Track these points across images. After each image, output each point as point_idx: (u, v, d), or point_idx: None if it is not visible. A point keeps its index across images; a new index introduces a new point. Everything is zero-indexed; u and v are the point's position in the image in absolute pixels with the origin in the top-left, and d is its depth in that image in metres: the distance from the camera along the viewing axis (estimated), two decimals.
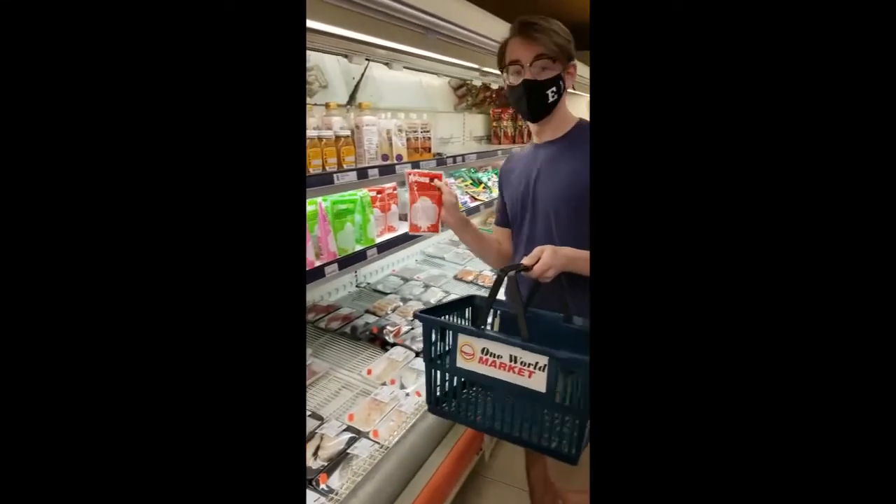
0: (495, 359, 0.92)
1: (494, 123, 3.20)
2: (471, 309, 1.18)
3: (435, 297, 2.11)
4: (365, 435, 1.28)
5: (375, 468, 1.18)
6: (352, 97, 1.99)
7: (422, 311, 1.05)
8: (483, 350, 0.93)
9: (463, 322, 1.16)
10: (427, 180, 1.22)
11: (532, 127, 1.20)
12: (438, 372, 1.04)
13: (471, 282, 2.37)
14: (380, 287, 2.21)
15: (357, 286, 2.24)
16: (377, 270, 2.37)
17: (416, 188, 1.23)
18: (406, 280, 2.29)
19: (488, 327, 1.11)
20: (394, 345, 1.70)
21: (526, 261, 0.97)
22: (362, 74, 1.99)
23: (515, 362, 0.90)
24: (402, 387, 1.49)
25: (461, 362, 0.97)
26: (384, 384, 1.50)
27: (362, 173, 1.42)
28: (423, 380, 1.54)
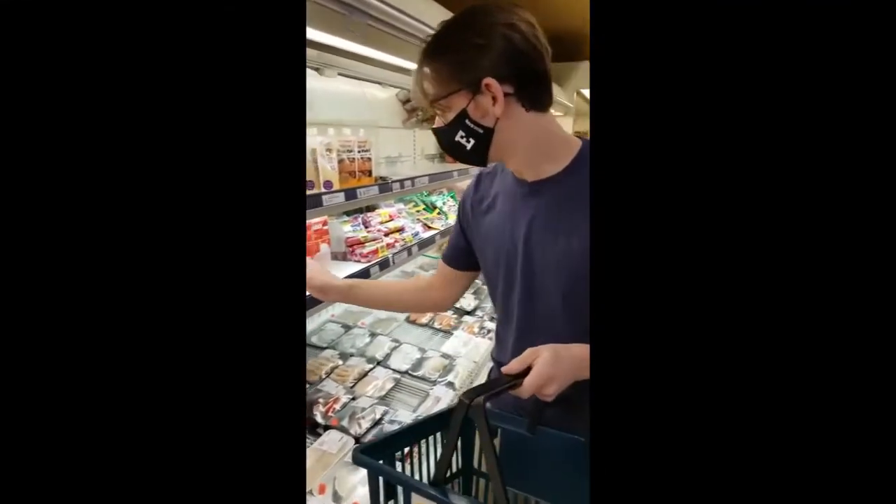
0: None
1: None
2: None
3: (381, 349, 1.73)
4: None
5: None
6: None
7: (364, 448, 0.71)
8: None
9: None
10: None
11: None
12: None
13: (426, 325, 2.01)
14: (314, 339, 1.81)
15: None
16: (314, 317, 1.97)
17: None
18: (348, 328, 1.90)
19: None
20: (327, 427, 1.31)
21: (512, 366, 0.63)
22: None
23: None
24: (336, 497, 1.10)
25: None
26: (310, 492, 1.11)
27: None
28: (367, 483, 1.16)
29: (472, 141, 0.73)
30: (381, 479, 0.70)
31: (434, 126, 0.76)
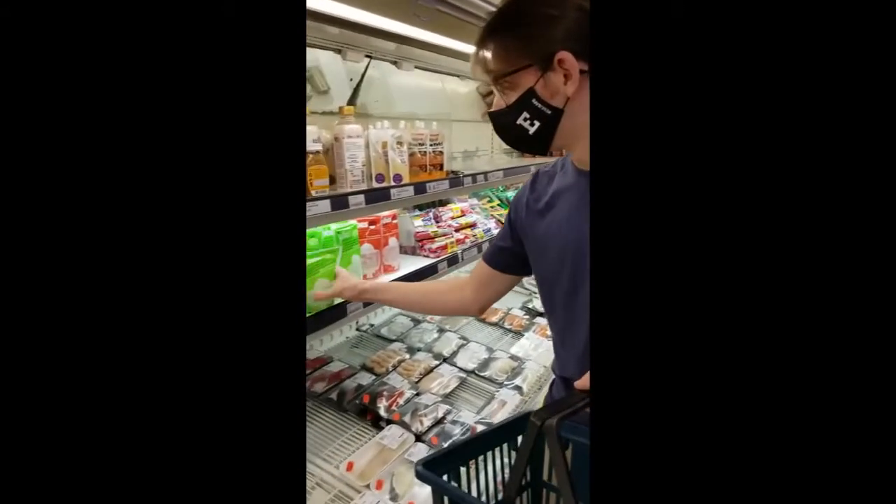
0: None
1: None
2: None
3: (448, 346, 1.70)
4: None
5: None
6: (350, 104, 1.63)
7: (427, 461, 0.67)
8: None
9: (506, 458, 0.76)
10: None
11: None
12: None
13: (495, 324, 1.96)
14: (384, 331, 1.83)
15: (357, 329, 1.87)
16: (385, 307, 1.99)
17: None
18: (417, 322, 1.90)
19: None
20: (389, 422, 1.30)
21: (587, 381, 0.58)
22: (362, 75, 1.64)
23: None
24: (393, 494, 1.09)
25: None
26: (368, 486, 1.11)
27: (339, 202, 1.05)
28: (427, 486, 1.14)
29: (537, 124, 0.67)
30: (445, 498, 0.66)
31: (491, 109, 0.71)
